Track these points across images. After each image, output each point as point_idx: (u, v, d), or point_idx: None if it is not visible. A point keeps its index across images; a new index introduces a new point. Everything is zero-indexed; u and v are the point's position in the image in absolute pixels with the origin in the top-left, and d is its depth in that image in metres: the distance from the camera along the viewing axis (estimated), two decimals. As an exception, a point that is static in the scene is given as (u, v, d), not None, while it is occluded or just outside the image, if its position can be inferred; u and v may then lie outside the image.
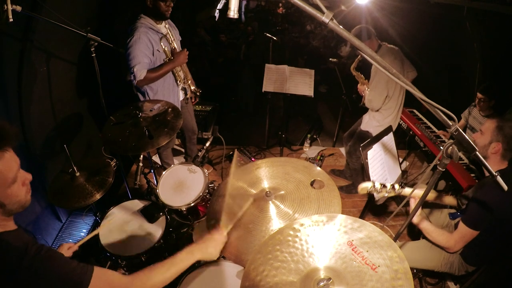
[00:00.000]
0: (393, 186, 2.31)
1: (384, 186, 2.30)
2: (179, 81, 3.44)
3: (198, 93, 3.64)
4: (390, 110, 3.53)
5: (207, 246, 1.65)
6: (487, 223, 2.16)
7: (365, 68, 3.72)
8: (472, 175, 3.19)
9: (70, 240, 3.39)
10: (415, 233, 3.28)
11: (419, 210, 2.41)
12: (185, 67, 3.48)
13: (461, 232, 2.26)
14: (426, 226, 2.39)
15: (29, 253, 1.27)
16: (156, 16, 3.07)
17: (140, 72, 3.00)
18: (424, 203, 2.14)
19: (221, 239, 1.70)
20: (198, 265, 2.19)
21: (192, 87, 3.57)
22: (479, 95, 3.47)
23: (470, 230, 2.21)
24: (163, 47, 3.15)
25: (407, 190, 2.36)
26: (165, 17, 3.13)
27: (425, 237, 2.47)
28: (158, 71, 3.10)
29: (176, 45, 3.32)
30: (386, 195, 2.34)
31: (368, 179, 2.67)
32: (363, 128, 3.81)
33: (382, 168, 2.82)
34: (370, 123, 3.72)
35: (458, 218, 2.54)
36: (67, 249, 2.11)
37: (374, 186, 2.28)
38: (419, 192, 2.33)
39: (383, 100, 3.43)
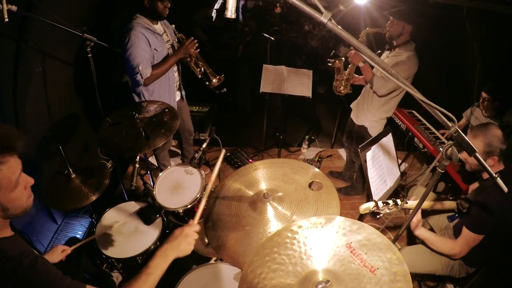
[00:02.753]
0: (395, 202, 2.30)
1: (386, 203, 2.29)
2: (175, 81, 3.42)
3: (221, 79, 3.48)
4: (391, 104, 3.46)
5: (179, 243, 1.58)
6: (491, 226, 2.16)
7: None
8: (472, 176, 3.16)
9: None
10: (413, 236, 3.27)
11: (419, 216, 2.40)
12: (200, 59, 3.36)
13: (466, 238, 2.25)
14: (428, 237, 2.38)
15: (23, 264, 1.27)
16: (153, 16, 3.05)
17: (145, 70, 2.99)
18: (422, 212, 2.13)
19: (192, 231, 1.63)
20: (194, 268, 2.17)
21: (218, 76, 3.44)
22: (484, 94, 3.46)
23: (475, 235, 2.21)
24: (161, 47, 3.13)
25: (410, 203, 2.35)
26: (162, 17, 3.10)
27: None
28: (163, 66, 3.09)
29: (175, 43, 3.30)
30: (388, 211, 2.33)
31: (367, 180, 2.67)
32: (358, 123, 3.72)
33: (380, 170, 2.80)
34: (365, 117, 3.61)
35: (456, 219, 2.54)
36: (61, 252, 2.09)
37: (376, 205, 2.27)
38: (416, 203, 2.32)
39: (391, 91, 3.30)
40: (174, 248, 1.57)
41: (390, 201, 2.31)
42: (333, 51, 4.47)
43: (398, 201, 2.32)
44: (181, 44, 3.17)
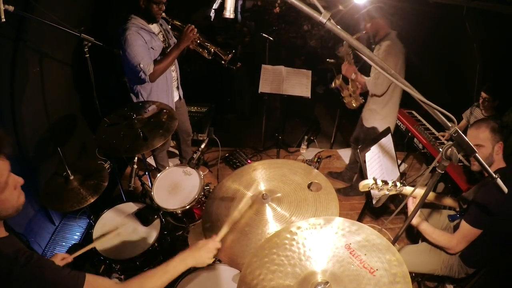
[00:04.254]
0: (394, 184, 2.29)
1: (385, 183, 2.27)
2: (173, 80, 3.40)
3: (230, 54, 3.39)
4: (394, 99, 3.44)
5: (201, 255, 1.64)
6: (489, 222, 2.15)
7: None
8: (472, 177, 3.15)
9: (64, 244, 3.36)
10: (413, 236, 3.26)
11: (418, 211, 2.39)
12: (205, 40, 3.29)
13: (463, 231, 2.24)
14: (426, 228, 2.37)
15: (19, 261, 1.26)
16: (147, 18, 3.02)
17: (148, 66, 2.97)
18: (423, 204, 2.11)
19: (215, 245, 1.68)
20: (193, 269, 2.16)
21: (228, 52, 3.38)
22: (483, 94, 3.45)
23: (473, 229, 2.20)
24: (157, 46, 3.12)
25: (408, 189, 2.34)
26: (156, 20, 3.09)
27: (424, 240, 2.45)
28: (167, 59, 3.06)
29: (171, 42, 3.29)
30: (387, 192, 2.32)
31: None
32: (368, 125, 3.69)
33: (380, 170, 2.79)
34: (373, 118, 3.59)
35: (457, 220, 2.52)
36: (61, 259, 2.08)
37: (375, 183, 2.25)
38: (420, 191, 2.30)
39: (389, 85, 3.29)
40: (195, 257, 1.62)
41: (390, 182, 2.31)
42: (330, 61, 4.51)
43: (398, 183, 2.31)
44: (180, 33, 3.12)
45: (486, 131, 2.26)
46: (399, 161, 4.27)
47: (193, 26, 3.04)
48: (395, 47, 3.18)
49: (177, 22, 3.26)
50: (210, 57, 3.31)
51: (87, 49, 2.82)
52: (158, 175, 2.94)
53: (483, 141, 2.28)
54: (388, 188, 2.29)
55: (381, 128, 3.55)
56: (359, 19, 3.25)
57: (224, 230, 1.75)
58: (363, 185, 2.30)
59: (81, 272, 1.37)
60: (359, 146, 2.67)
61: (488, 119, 2.34)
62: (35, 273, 1.28)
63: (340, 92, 3.74)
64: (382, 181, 2.27)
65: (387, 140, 2.95)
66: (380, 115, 3.53)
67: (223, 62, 3.33)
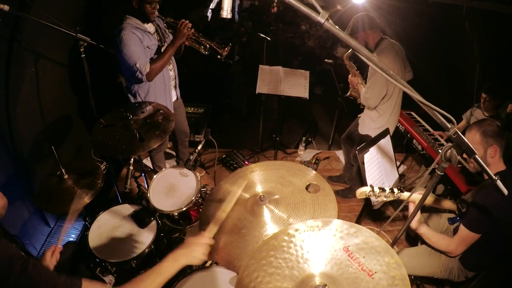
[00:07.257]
0: (392, 190, 2.27)
1: (382, 190, 2.26)
2: (171, 80, 3.39)
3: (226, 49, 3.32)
4: (389, 109, 3.41)
5: (192, 251, 1.58)
6: (488, 226, 2.14)
7: (361, 62, 3.58)
8: (472, 179, 3.14)
9: (60, 246, 3.32)
10: (412, 238, 3.25)
11: (418, 215, 2.37)
12: (200, 35, 3.23)
13: (462, 235, 2.23)
14: (425, 231, 2.35)
15: (14, 269, 1.24)
16: (141, 18, 3.01)
17: (144, 66, 2.95)
18: (422, 208, 2.10)
19: (206, 242, 1.63)
20: (190, 271, 2.14)
21: (225, 47, 3.31)
22: (483, 95, 3.46)
23: (471, 233, 2.18)
24: (153, 45, 3.11)
25: (406, 194, 2.32)
26: (150, 19, 3.08)
27: (423, 243, 2.43)
28: (163, 58, 3.04)
29: (168, 41, 3.27)
30: (385, 199, 2.30)
31: (365, 183, 2.64)
32: (362, 132, 3.68)
33: (379, 171, 2.78)
34: (368, 126, 3.57)
35: (457, 222, 2.51)
36: (51, 254, 2.03)
37: (372, 190, 2.24)
38: (417, 196, 2.29)
39: (380, 99, 3.28)
40: (186, 254, 1.57)
41: (387, 188, 2.29)
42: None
43: (395, 189, 2.30)
44: (174, 30, 3.09)
45: (476, 134, 2.24)
46: (398, 163, 4.27)
47: (187, 21, 3.01)
48: (387, 57, 3.14)
49: (170, 20, 3.21)
50: (206, 53, 3.27)
51: (83, 49, 2.80)
52: (155, 176, 2.92)
53: (473, 144, 2.25)
54: (386, 194, 2.28)
55: (374, 135, 3.54)
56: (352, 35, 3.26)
57: (213, 226, 1.71)
58: (360, 192, 2.29)
59: (77, 278, 1.35)
60: (358, 148, 2.65)
61: (485, 121, 2.28)
62: (32, 280, 1.26)
63: (356, 99, 3.80)
64: (379, 188, 2.27)
65: (386, 142, 2.94)
66: (376, 123, 3.50)
67: (219, 56, 3.28)
